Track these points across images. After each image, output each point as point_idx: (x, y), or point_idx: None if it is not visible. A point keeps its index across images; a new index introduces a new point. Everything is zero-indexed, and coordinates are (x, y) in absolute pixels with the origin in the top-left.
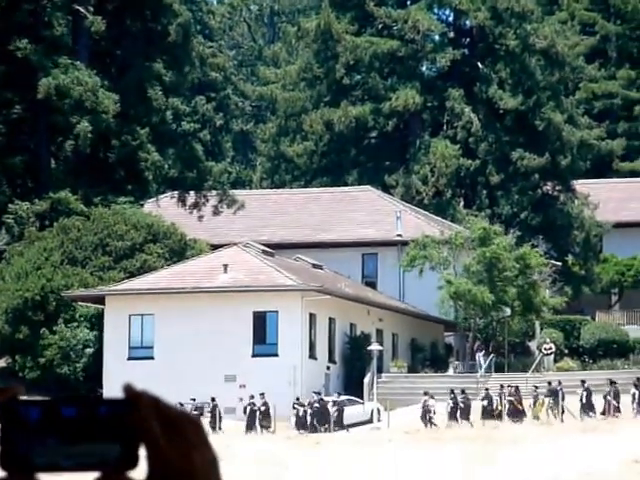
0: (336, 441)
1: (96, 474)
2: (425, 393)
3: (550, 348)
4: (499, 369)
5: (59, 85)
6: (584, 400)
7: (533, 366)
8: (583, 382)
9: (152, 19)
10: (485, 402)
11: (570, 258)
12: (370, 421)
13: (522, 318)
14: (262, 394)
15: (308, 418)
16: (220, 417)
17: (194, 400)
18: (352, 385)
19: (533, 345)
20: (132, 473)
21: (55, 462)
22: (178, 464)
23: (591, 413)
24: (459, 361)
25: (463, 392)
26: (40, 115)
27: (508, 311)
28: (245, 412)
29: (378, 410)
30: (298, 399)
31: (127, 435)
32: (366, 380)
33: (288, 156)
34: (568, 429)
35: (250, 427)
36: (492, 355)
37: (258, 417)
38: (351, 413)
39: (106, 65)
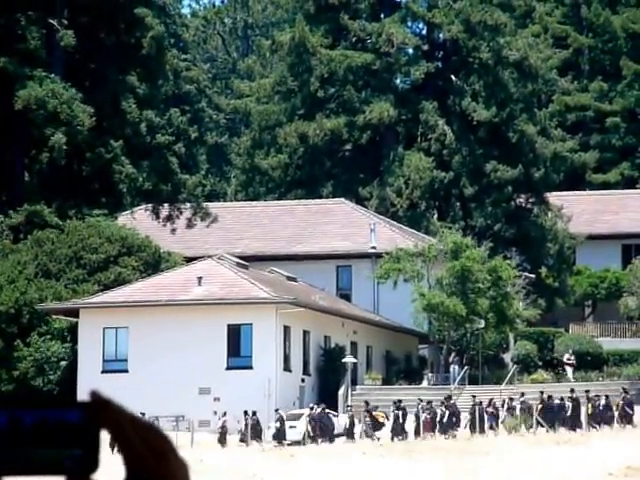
0: (311, 454)
1: (60, 478)
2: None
3: (570, 359)
4: (473, 381)
5: (35, 97)
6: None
7: (507, 378)
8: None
9: (126, 32)
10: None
11: (543, 270)
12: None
13: (496, 330)
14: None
15: None
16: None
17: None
18: (327, 397)
19: (507, 357)
20: (95, 475)
21: (16, 466)
22: (156, 469)
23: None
24: (433, 373)
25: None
26: (14, 127)
27: (482, 323)
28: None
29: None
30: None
31: (88, 439)
32: (341, 392)
33: (262, 169)
34: (542, 441)
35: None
36: (466, 367)
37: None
38: None
39: (80, 78)
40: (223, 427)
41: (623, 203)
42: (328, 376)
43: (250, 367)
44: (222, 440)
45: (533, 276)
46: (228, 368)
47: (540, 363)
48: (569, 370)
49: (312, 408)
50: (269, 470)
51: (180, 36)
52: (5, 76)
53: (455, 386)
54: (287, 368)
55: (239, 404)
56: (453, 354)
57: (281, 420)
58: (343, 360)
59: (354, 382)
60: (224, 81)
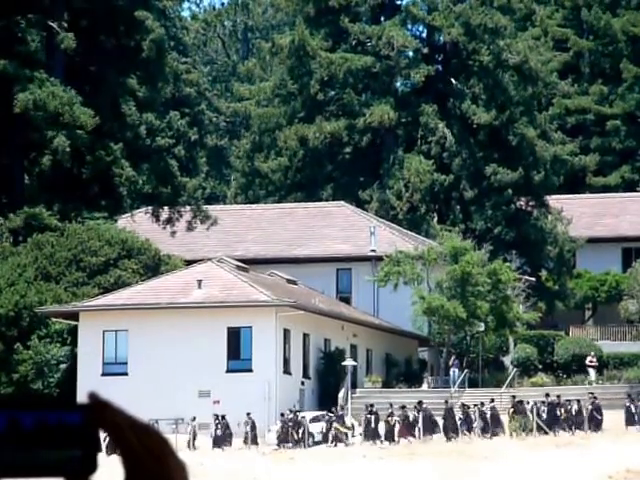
0: (311, 456)
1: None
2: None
3: (592, 361)
4: (473, 384)
5: (35, 99)
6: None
7: (507, 381)
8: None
9: (126, 35)
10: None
11: (544, 273)
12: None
13: (496, 333)
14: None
15: None
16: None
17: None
18: (326, 400)
19: (507, 360)
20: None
21: (15, 468)
22: (155, 469)
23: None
24: (433, 376)
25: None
26: (14, 130)
27: (482, 326)
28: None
29: (352, 425)
30: None
31: (87, 441)
32: (340, 395)
33: (262, 172)
34: (542, 444)
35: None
36: (466, 370)
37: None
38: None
39: (80, 81)
40: (193, 432)
41: (623, 206)
42: (328, 379)
43: (250, 370)
44: (192, 444)
45: (533, 279)
46: (228, 371)
47: (540, 366)
48: (592, 372)
49: (282, 415)
50: (269, 473)
51: (180, 39)
52: (5, 78)
53: (455, 389)
54: (287, 371)
55: (239, 407)
56: (453, 357)
57: (252, 425)
58: (343, 363)
59: (354, 385)
60: (224, 84)
